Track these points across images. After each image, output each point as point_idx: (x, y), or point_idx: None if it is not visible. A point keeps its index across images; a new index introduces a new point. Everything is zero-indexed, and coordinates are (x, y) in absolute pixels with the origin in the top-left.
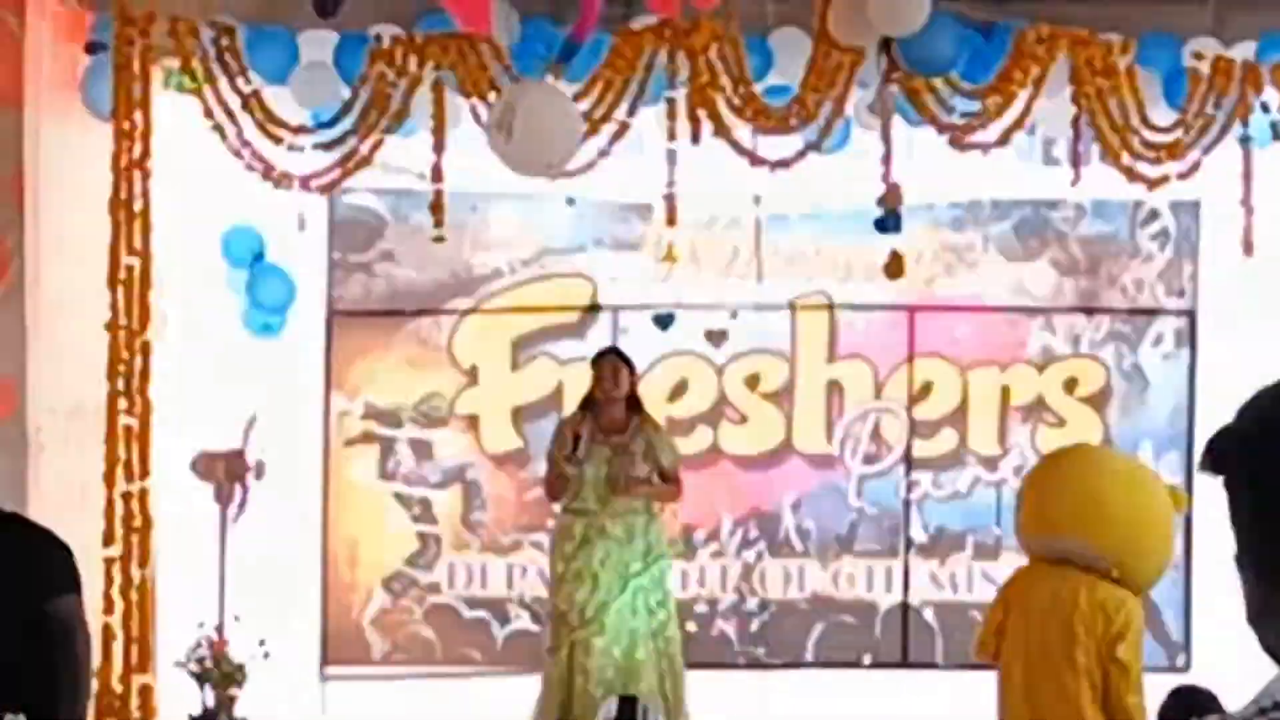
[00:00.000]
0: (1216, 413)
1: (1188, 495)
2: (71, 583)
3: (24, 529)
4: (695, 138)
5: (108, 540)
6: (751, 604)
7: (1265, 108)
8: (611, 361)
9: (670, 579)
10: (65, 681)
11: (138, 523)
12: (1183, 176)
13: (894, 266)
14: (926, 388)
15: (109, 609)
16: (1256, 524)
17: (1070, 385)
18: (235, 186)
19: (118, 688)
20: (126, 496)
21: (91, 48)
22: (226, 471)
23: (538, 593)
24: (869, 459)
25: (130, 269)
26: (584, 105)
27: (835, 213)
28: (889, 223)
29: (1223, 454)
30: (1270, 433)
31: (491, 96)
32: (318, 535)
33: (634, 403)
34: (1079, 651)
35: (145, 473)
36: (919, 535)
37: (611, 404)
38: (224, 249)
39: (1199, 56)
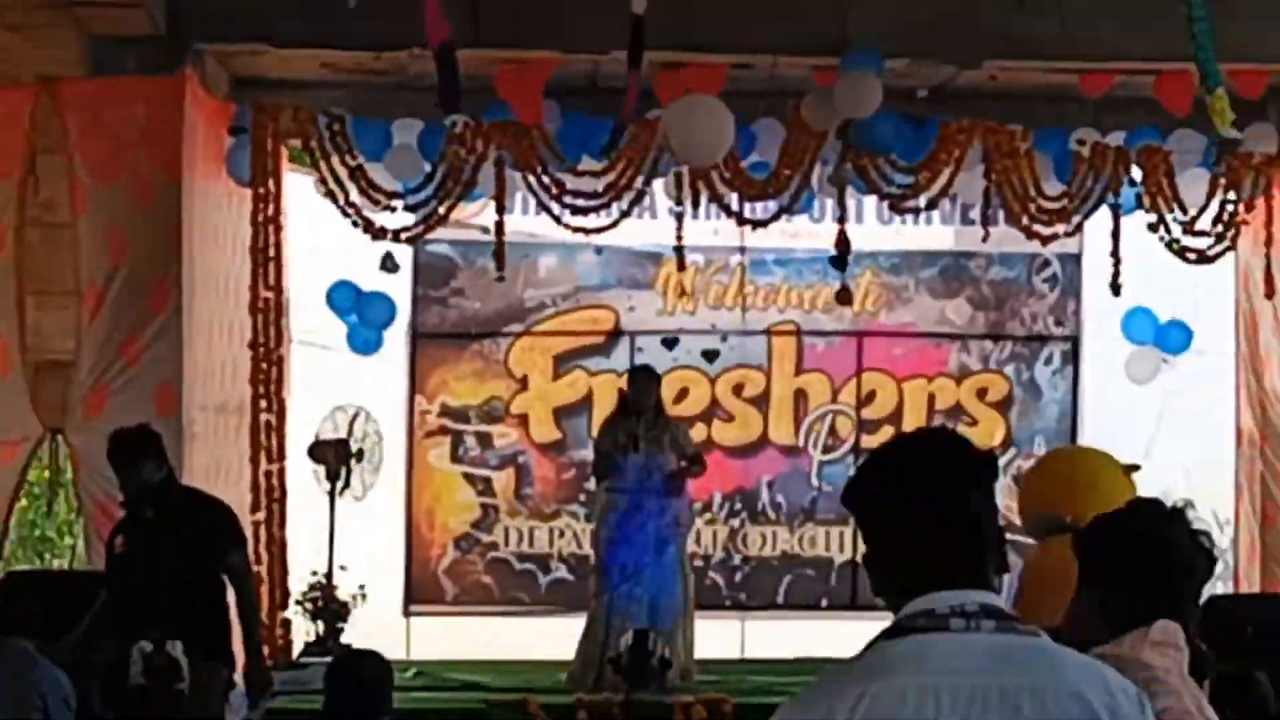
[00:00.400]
0: (1095, 417)
1: (1137, 468)
2: (241, 538)
3: (201, 498)
4: (695, 203)
5: (254, 509)
6: (736, 560)
7: (1132, 182)
8: (644, 377)
9: (689, 546)
10: (250, 615)
11: (276, 495)
12: (1069, 234)
13: (843, 295)
14: (871, 395)
15: (258, 561)
16: (868, 537)
17: (981, 394)
18: (344, 239)
19: (265, 622)
20: (268, 474)
21: (234, 131)
22: (335, 456)
23: (572, 550)
24: (827, 449)
25: (267, 300)
26: (610, 178)
27: (801, 259)
28: (840, 262)
29: (847, 496)
30: (862, 485)
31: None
32: (403, 505)
33: (659, 408)
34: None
35: (282, 456)
36: None
37: (644, 411)
38: (327, 299)
39: (1081, 143)
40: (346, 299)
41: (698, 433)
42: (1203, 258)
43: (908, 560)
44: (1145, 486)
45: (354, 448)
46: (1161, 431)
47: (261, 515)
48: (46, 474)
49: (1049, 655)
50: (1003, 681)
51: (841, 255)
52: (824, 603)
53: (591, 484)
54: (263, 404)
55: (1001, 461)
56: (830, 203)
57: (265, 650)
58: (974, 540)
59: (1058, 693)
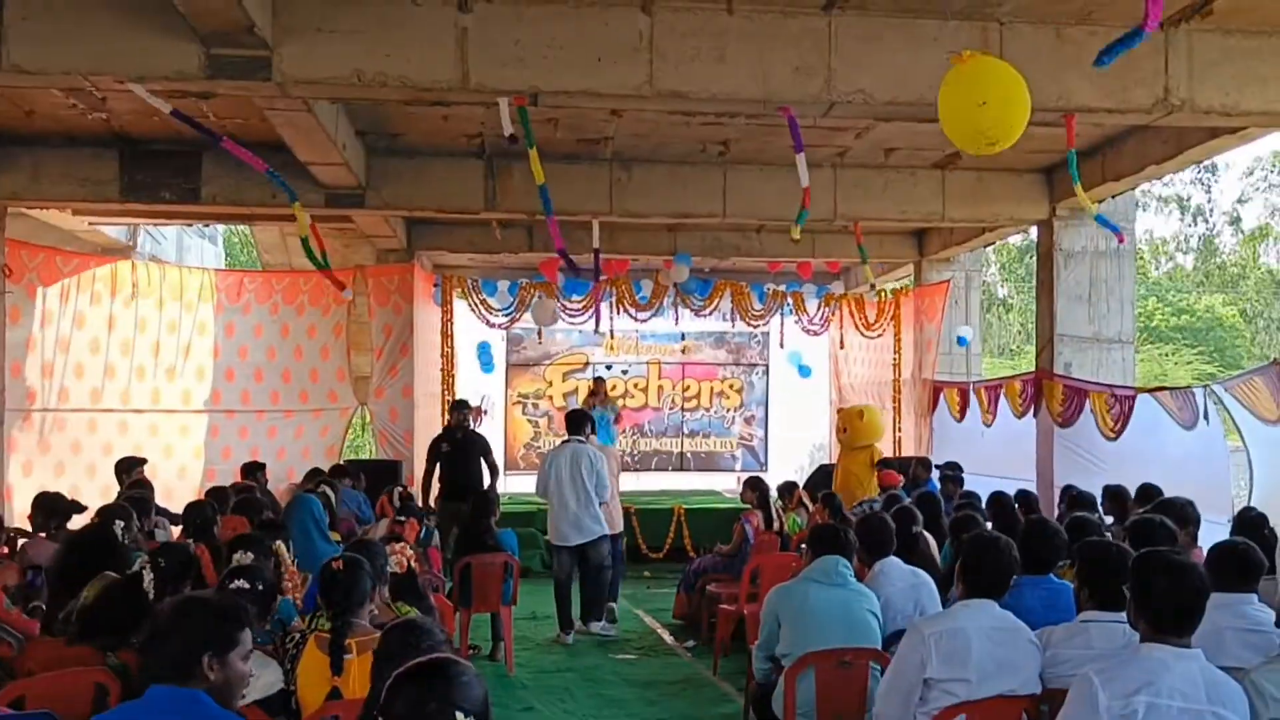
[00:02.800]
0: (775, 400)
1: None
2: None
3: (475, 435)
4: (618, 312)
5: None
6: (634, 454)
7: (788, 305)
8: (599, 382)
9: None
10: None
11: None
12: (764, 325)
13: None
14: (688, 387)
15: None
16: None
17: (731, 387)
18: (477, 329)
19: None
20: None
21: (435, 283)
22: (476, 412)
23: None
24: (670, 409)
25: (445, 352)
26: (584, 303)
27: (660, 335)
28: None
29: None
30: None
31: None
32: (503, 431)
33: (605, 394)
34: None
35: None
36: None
37: (598, 393)
38: (477, 352)
39: (769, 290)
40: (482, 350)
41: (620, 403)
42: (815, 333)
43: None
44: (797, 426)
45: (484, 407)
46: (802, 401)
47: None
48: (361, 423)
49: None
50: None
51: (681, 332)
52: (665, 467)
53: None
54: (445, 393)
55: (739, 413)
56: (671, 310)
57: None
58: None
59: None
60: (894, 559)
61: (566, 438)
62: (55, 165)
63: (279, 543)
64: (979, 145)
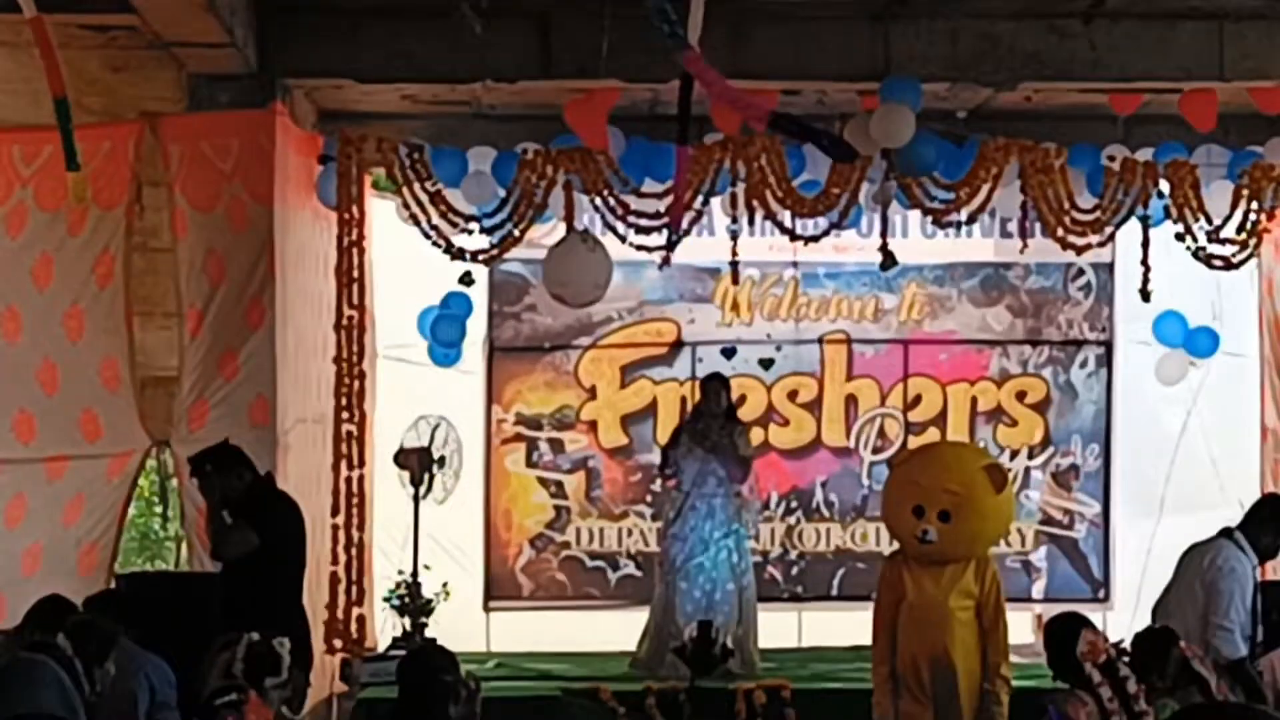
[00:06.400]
0: (1128, 417)
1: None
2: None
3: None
4: (750, 220)
5: (334, 512)
6: (792, 555)
7: (1160, 195)
8: (715, 383)
9: (747, 544)
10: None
11: (356, 499)
12: (1101, 245)
13: (886, 260)
14: (917, 398)
15: (335, 561)
16: None
17: (1020, 396)
18: (425, 260)
19: (341, 618)
20: (348, 481)
21: (323, 160)
22: (418, 462)
23: (640, 547)
24: (876, 450)
25: (350, 318)
26: (669, 197)
27: (850, 273)
28: (887, 266)
29: None
30: None
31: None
32: (481, 508)
33: (731, 413)
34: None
35: (362, 463)
36: None
37: (714, 416)
38: (419, 317)
39: (1112, 159)
40: (439, 316)
41: (754, 437)
42: (1228, 265)
43: None
44: (1175, 484)
45: (436, 455)
46: (1190, 429)
47: (341, 519)
48: (156, 480)
49: None
50: None
51: (886, 262)
52: (875, 594)
53: (657, 485)
54: (345, 415)
55: (1040, 460)
56: (877, 217)
57: (340, 643)
58: None
59: None
60: None
61: None
62: None
63: None
64: None
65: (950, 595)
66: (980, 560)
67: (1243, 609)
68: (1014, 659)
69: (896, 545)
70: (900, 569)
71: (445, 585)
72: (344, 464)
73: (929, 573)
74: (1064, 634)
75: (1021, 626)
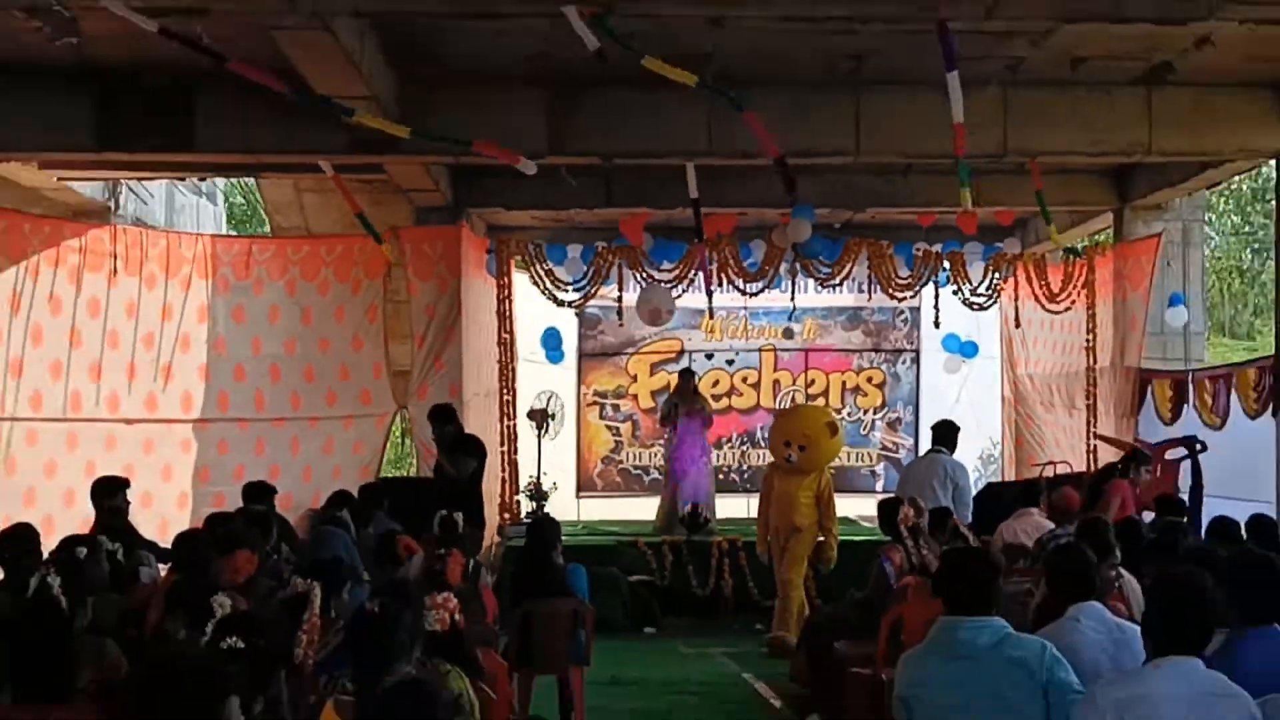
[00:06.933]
0: (927, 393)
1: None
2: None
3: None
4: (720, 284)
5: (500, 444)
6: (744, 467)
7: (944, 269)
8: (685, 375)
9: (713, 461)
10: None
11: (509, 438)
12: (913, 297)
13: (787, 332)
14: (812, 382)
15: (501, 471)
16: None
17: (869, 380)
18: (542, 306)
19: (502, 501)
20: (505, 428)
21: (488, 251)
22: (541, 417)
23: (658, 463)
24: None
25: (503, 338)
26: (677, 273)
27: (775, 312)
28: (793, 311)
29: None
30: None
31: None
32: (574, 442)
33: (695, 390)
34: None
35: (514, 417)
36: None
37: (686, 391)
38: (542, 339)
39: (918, 250)
40: (549, 336)
41: (721, 403)
42: (982, 308)
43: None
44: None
45: (550, 413)
46: (961, 399)
47: (504, 448)
48: (399, 428)
49: None
50: None
51: (792, 309)
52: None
53: (666, 430)
54: (503, 391)
55: (880, 416)
56: (788, 283)
57: (504, 515)
58: None
59: None
60: (1096, 605)
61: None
62: (14, 106)
63: (315, 586)
64: None
65: (799, 490)
66: (819, 472)
67: (970, 494)
68: (861, 524)
69: (773, 460)
70: (773, 474)
71: (555, 484)
72: (504, 418)
73: (789, 478)
74: (889, 510)
75: (868, 508)
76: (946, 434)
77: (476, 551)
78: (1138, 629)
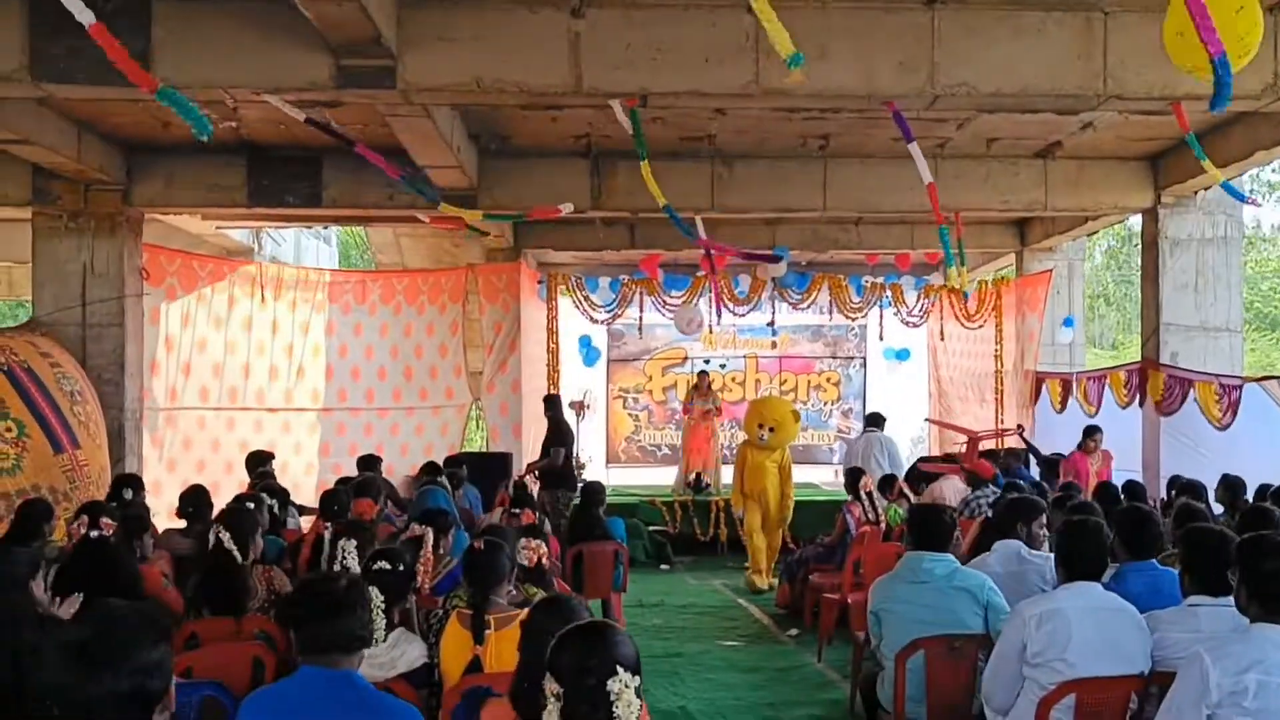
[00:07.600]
0: (873, 391)
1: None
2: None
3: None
4: (717, 309)
5: None
6: (733, 444)
7: (887, 297)
8: (701, 374)
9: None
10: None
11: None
12: (862, 317)
13: (772, 324)
14: (784, 380)
15: None
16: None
17: (828, 380)
18: (579, 322)
19: None
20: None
21: (540, 282)
22: (579, 406)
23: (671, 442)
24: None
25: (550, 348)
26: (684, 299)
27: (758, 328)
28: (772, 325)
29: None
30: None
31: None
32: (604, 426)
33: (709, 385)
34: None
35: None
36: None
37: (701, 385)
38: (579, 346)
39: (867, 282)
40: (585, 345)
41: (718, 398)
42: (915, 325)
43: None
44: (892, 417)
45: (586, 403)
46: (899, 395)
47: None
48: (475, 415)
49: None
50: None
51: (772, 326)
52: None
53: (679, 416)
54: (551, 387)
55: (836, 406)
56: (768, 305)
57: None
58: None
59: None
60: (1013, 541)
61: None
62: (188, 173)
63: (428, 529)
64: (1236, 54)
65: (768, 462)
66: (783, 449)
67: (901, 458)
68: (822, 488)
69: (746, 438)
70: (746, 450)
71: (590, 457)
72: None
73: (760, 452)
74: (853, 475)
75: (828, 476)
76: (876, 418)
77: (564, 514)
78: (1038, 562)
